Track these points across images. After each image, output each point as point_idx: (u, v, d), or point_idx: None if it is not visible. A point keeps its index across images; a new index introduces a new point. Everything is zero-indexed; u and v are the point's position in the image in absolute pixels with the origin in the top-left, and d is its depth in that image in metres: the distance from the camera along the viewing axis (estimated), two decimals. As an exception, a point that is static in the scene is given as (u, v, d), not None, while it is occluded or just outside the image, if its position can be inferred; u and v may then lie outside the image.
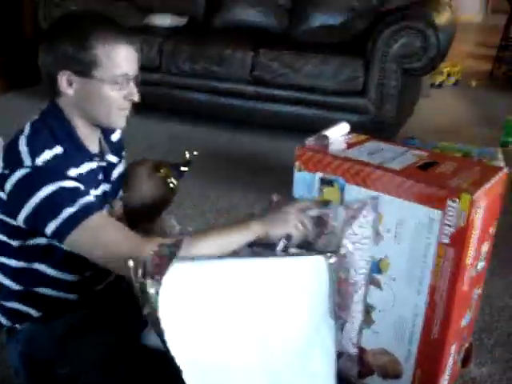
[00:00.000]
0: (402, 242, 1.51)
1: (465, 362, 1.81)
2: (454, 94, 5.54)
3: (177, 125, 4.21)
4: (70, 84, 1.45)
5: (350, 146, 1.69)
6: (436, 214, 1.44)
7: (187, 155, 1.79)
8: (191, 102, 4.08)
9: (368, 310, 1.62)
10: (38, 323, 1.56)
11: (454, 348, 1.62)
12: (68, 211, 1.34)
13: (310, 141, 1.69)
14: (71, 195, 1.37)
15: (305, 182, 1.65)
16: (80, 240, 1.35)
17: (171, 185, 1.74)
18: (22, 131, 1.46)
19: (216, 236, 1.39)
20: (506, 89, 5.60)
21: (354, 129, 1.80)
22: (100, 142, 1.61)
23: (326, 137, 1.68)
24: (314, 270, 1.45)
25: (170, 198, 1.79)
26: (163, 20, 4.22)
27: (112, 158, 1.65)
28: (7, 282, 1.55)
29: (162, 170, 1.73)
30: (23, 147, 1.40)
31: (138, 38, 1.54)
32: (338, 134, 1.74)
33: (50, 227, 1.35)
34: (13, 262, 1.52)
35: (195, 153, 1.79)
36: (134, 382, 1.48)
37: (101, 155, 1.59)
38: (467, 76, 5.84)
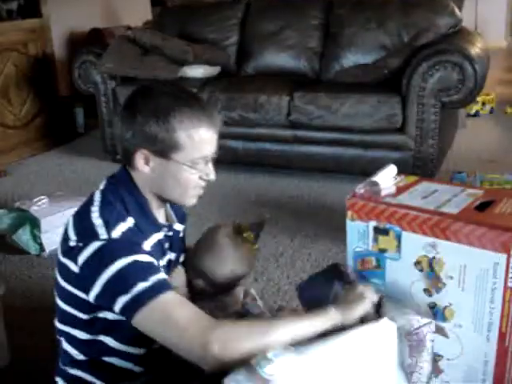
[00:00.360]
0: (467, 289, 1.45)
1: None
2: (490, 122, 5.48)
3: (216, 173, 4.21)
4: (146, 162, 1.44)
5: (400, 189, 1.65)
6: (500, 257, 1.38)
7: (262, 216, 1.71)
8: (229, 150, 4.06)
9: (435, 359, 1.56)
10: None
11: (527, 395, 1.55)
12: (140, 286, 1.31)
13: (360, 188, 1.65)
14: (144, 270, 1.34)
15: (358, 231, 1.60)
16: (149, 318, 1.31)
17: (255, 248, 1.66)
18: (91, 201, 1.45)
19: (292, 324, 1.32)
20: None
21: (396, 166, 1.76)
22: (168, 212, 1.61)
23: (376, 183, 1.65)
24: (385, 332, 1.43)
25: (253, 264, 1.73)
26: (196, 71, 4.25)
27: (178, 227, 1.64)
28: (72, 350, 1.54)
29: (245, 235, 1.62)
30: (97, 219, 1.39)
31: (219, 118, 1.52)
32: (386, 177, 1.70)
33: (120, 302, 1.32)
34: (79, 334, 1.50)
35: (268, 215, 1.72)
36: None
37: (168, 226, 1.58)
38: (501, 103, 5.78)
